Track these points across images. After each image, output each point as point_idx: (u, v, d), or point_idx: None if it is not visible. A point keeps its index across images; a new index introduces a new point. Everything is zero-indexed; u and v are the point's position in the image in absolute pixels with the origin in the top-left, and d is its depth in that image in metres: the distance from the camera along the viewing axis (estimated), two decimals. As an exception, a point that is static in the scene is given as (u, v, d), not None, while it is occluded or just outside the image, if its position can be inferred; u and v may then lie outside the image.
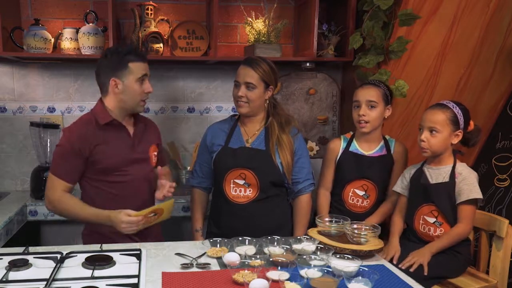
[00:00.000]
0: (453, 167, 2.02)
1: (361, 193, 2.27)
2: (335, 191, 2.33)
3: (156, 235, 2.10)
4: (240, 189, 2.10)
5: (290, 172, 2.13)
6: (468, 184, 1.97)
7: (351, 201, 2.28)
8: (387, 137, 2.32)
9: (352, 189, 2.27)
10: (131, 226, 1.84)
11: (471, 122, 2.05)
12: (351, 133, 2.36)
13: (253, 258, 1.62)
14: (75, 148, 1.91)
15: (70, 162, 1.93)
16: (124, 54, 1.93)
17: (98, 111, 1.99)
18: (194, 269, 1.62)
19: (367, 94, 2.20)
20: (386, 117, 2.25)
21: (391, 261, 1.93)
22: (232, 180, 2.11)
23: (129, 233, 1.88)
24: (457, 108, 1.99)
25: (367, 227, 1.86)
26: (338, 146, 2.33)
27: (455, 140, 2.01)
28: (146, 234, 2.00)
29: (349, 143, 2.31)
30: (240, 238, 1.78)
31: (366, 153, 2.27)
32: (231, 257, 1.63)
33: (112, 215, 1.86)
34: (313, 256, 1.64)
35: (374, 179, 2.25)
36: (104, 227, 1.93)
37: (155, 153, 2.14)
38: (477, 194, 1.95)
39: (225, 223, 2.14)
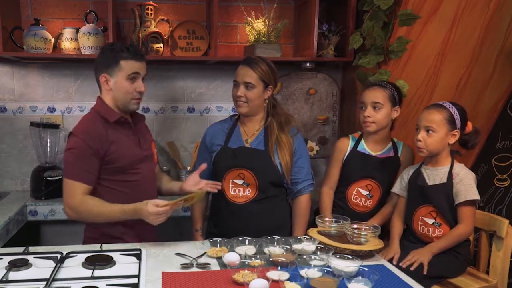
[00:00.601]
0: (451, 168, 2.02)
1: (365, 192, 2.27)
2: (339, 189, 2.34)
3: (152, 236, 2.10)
4: (239, 189, 2.10)
5: (289, 172, 2.13)
6: (466, 185, 1.96)
7: (354, 200, 2.29)
8: (395, 139, 2.33)
9: (356, 188, 2.28)
10: (160, 217, 1.81)
11: (469, 123, 2.05)
12: (359, 133, 2.36)
13: (253, 258, 1.62)
14: (93, 149, 1.86)
15: (88, 163, 1.87)
16: (117, 51, 1.91)
17: (102, 109, 1.95)
18: (194, 269, 1.62)
19: (372, 95, 2.21)
20: (393, 118, 2.25)
21: (391, 261, 1.93)
22: (231, 180, 2.11)
23: (157, 224, 1.84)
24: (454, 108, 2.00)
25: (367, 227, 1.86)
26: (346, 145, 2.33)
27: (452, 140, 2.01)
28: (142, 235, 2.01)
29: (357, 143, 2.32)
30: (240, 238, 1.78)
31: (373, 154, 2.28)
32: (231, 257, 1.63)
33: (138, 208, 1.82)
34: (313, 256, 1.64)
35: (379, 179, 2.25)
36: (111, 228, 1.93)
37: (155, 150, 2.15)
38: (474, 195, 1.95)
39: (224, 223, 2.14)
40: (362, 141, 2.31)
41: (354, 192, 2.29)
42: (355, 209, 2.28)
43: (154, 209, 1.78)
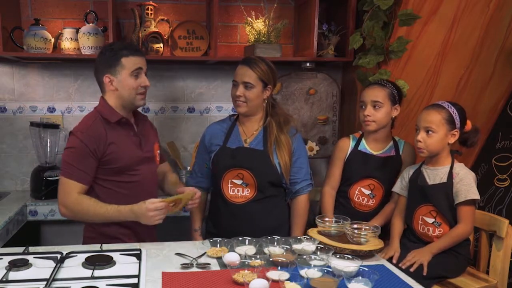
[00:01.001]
0: (451, 168, 2.02)
1: (367, 192, 2.27)
2: (342, 189, 2.34)
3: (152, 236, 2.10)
4: (238, 189, 2.10)
5: (288, 172, 2.12)
6: (466, 185, 1.97)
7: (357, 200, 2.29)
8: (396, 138, 2.33)
9: (358, 188, 2.28)
10: (159, 213, 1.81)
11: (468, 122, 2.06)
12: (360, 132, 2.37)
13: (253, 258, 1.62)
14: (90, 149, 1.87)
15: (85, 164, 1.88)
16: (117, 50, 1.92)
17: (104, 109, 1.96)
18: (194, 269, 1.62)
19: (372, 94, 2.21)
20: (393, 116, 2.26)
21: (390, 260, 1.93)
22: (230, 180, 2.10)
23: (156, 224, 1.85)
24: (453, 108, 2.00)
25: (367, 227, 1.86)
26: (348, 145, 2.33)
27: (452, 140, 2.01)
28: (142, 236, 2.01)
29: (358, 142, 2.32)
30: (240, 238, 1.78)
31: (374, 153, 2.28)
32: (231, 257, 1.63)
33: (135, 208, 1.83)
34: (313, 256, 1.64)
35: (381, 179, 2.25)
36: (110, 228, 1.93)
37: (158, 151, 2.15)
38: (474, 194, 1.95)
39: (223, 223, 2.14)
40: (363, 141, 2.32)
41: (356, 192, 2.29)
42: (358, 209, 2.29)
43: (152, 205, 1.79)
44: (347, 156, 2.32)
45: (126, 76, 1.93)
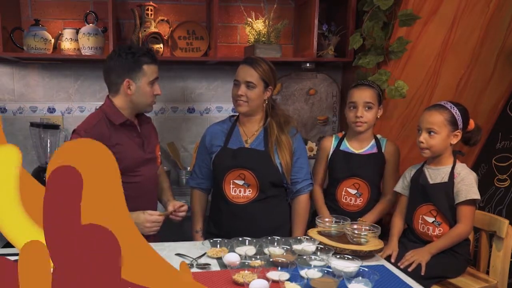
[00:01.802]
0: (453, 168, 2.02)
1: (353, 191, 2.27)
2: (329, 191, 2.34)
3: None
4: (240, 190, 2.10)
5: (289, 172, 2.13)
6: (467, 185, 1.97)
7: (344, 200, 2.29)
8: (378, 136, 2.33)
9: (344, 188, 2.29)
10: (155, 226, 1.89)
11: (471, 121, 2.05)
12: (343, 132, 2.38)
13: (253, 259, 1.62)
14: None
15: None
16: (139, 56, 1.93)
17: (110, 110, 1.96)
18: (194, 270, 1.62)
19: (364, 95, 2.21)
20: (378, 116, 2.27)
21: (388, 258, 1.93)
22: (231, 181, 2.10)
23: (148, 234, 1.91)
24: (455, 108, 1.99)
25: (367, 228, 1.87)
26: (330, 143, 2.35)
27: (454, 140, 2.01)
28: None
29: (340, 142, 2.33)
30: (240, 239, 1.78)
31: (356, 152, 2.29)
32: (231, 258, 1.63)
33: (133, 216, 1.85)
34: (313, 257, 1.64)
35: (365, 177, 2.25)
36: None
37: (159, 152, 2.16)
38: (475, 194, 1.95)
39: (224, 223, 2.14)
40: (345, 140, 2.33)
41: (343, 193, 2.29)
42: (347, 209, 2.28)
43: (151, 217, 1.87)
44: (330, 155, 2.33)
45: (145, 84, 1.95)
